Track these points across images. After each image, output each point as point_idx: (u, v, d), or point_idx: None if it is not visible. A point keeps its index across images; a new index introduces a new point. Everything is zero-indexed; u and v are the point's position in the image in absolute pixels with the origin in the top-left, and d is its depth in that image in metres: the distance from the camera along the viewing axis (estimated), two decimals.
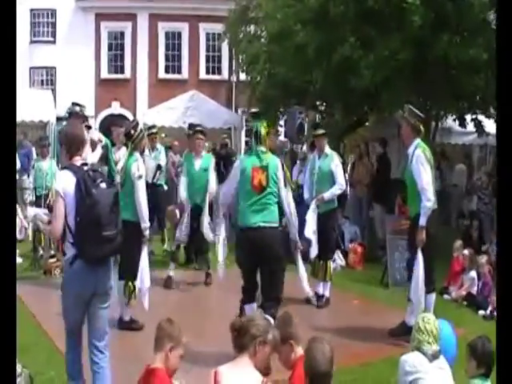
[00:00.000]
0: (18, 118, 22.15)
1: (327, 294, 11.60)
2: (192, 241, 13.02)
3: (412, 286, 9.20)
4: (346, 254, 15.34)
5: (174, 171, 17.68)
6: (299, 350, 5.31)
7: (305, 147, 18.33)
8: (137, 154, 9.88)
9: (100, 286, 6.65)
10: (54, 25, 34.21)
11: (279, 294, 8.54)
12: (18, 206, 8.30)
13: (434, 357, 5.63)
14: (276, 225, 8.46)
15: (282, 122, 23.77)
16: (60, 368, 7.82)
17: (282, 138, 25.85)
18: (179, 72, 34.87)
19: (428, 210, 9.09)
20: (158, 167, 14.60)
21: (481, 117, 17.55)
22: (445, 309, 10.14)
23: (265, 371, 5.01)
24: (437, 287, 10.82)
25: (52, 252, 13.84)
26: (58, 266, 12.83)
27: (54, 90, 31.24)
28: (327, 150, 11.68)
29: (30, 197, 14.42)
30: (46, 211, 7.87)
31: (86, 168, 6.40)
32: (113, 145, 16.16)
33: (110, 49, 34.79)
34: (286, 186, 8.53)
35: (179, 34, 34.92)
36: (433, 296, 9.40)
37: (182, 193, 12.82)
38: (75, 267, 6.40)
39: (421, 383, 5.51)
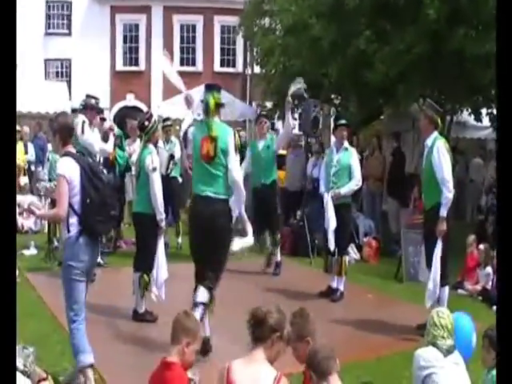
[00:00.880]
0: (33, 110, 22.35)
1: (341, 288, 11.59)
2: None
3: (432, 279, 9.18)
4: (360, 248, 15.33)
5: (188, 164, 17.69)
6: None
7: (319, 141, 18.34)
8: (151, 146, 9.93)
9: (95, 259, 7.51)
10: (69, 17, 34.30)
11: (219, 271, 8.38)
12: (33, 196, 8.40)
13: (448, 351, 5.63)
14: (224, 197, 8.22)
15: (296, 115, 23.75)
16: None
17: (296, 131, 25.87)
18: (194, 64, 34.92)
19: (449, 201, 9.13)
20: (171, 157, 14.62)
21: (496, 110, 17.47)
22: (459, 303, 10.11)
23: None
24: (451, 282, 10.82)
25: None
26: None
27: (68, 82, 31.34)
28: (346, 144, 11.64)
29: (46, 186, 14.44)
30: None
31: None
32: (127, 137, 16.21)
33: (124, 41, 34.86)
34: (236, 153, 8.33)
35: (194, 27, 34.95)
36: (446, 289, 9.39)
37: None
38: (81, 242, 6.91)
39: (435, 378, 5.50)
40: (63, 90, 26.27)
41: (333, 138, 13.76)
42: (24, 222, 16.13)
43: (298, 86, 12.76)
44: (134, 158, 14.32)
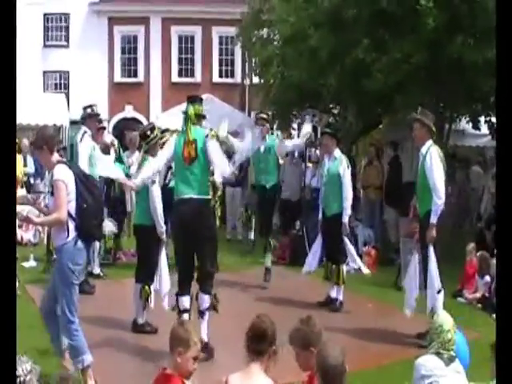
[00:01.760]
0: (32, 122, 22.35)
1: (340, 297, 11.58)
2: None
3: (432, 285, 9.17)
4: (359, 257, 15.28)
5: None
6: None
7: (318, 151, 18.33)
8: (150, 158, 9.89)
9: (85, 263, 7.82)
10: (67, 29, 34.34)
11: (212, 267, 8.73)
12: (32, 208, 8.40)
13: (450, 360, 5.62)
14: (207, 197, 8.71)
15: (295, 125, 23.76)
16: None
17: (295, 141, 25.88)
18: (192, 75, 34.93)
19: (439, 207, 9.16)
20: (170, 168, 14.60)
21: (495, 118, 17.48)
22: (459, 312, 10.08)
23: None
24: (450, 290, 10.81)
25: None
26: None
27: (67, 94, 31.37)
28: (336, 153, 11.69)
29: (44, 200, 14.43)
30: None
31: None
32: (126, 149, 16.22)
33: (123, 52, 34.87)
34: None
35: (192, 38, 34.97)
36: (440, 296, 9.36)
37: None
38: (78, 246, 7.19)
39: None
40: (62, 101, 26.28)
41: None
42: (23, 234, 16.10)
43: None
44: (133, 169, 14.35)
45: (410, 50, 14.75)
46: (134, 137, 16.80)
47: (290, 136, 24.51)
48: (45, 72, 33.76)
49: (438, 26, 14.30)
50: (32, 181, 19.89)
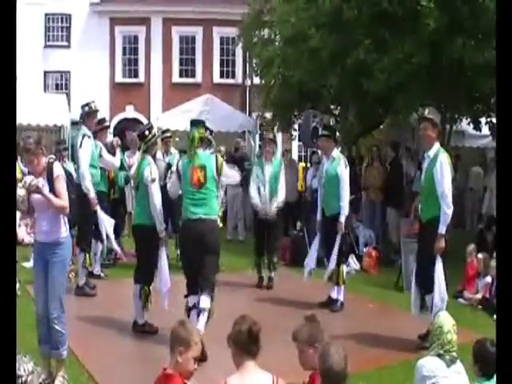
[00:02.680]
0: (33, 122, 22.34)
1: (341, 298, 11.58)
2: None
3: (437, 293, 9.13)
4: (360, 258, 15.31)
5: None
6: None
7: (319, 151, 18.35)
8: (149, 158, 9.94)
9: None
10: (68, 29, 34.27)
11: (214, 279, 9.13)
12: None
13: (451, 361, 5.62)
14: (214, 217, 9.21)
15: (296, 126, 23.76)
16: (75, 371, 7.86)
17: (296, 142, 25.87)
18: (193, 76, 34.88)
19: (448, 217, 9.03)
20: (169, 166, 14.60)
21: (495, 119, 17.48)
22: (459, 313, 10.08)
23: None
24: (451, 291, 10.80)
25: None
26: (72, 269, 12.86)
27: (68, 94, 31.29)
28: (334, 153, 11.71)
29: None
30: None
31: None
32: (127, 149, 16.23)
33: (124, 53, 34.80)
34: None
35: (193, 38, 34.92)
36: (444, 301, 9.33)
37: (256, 199, 13.18)
38: (71, 242, 7.74)
39: None
40: (63, 102, 26.23)
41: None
42: (24, 236, 16.12)
43: None
44: (133, 170, 14.37)
45: (411, 50, 14.76)
46: (135, 137, 16.84)
47: (291, 137, 24.59)
48: (46, 72, 33.71)
49: (438, 26, 14.30)
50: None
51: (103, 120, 13.90)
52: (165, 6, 33.80)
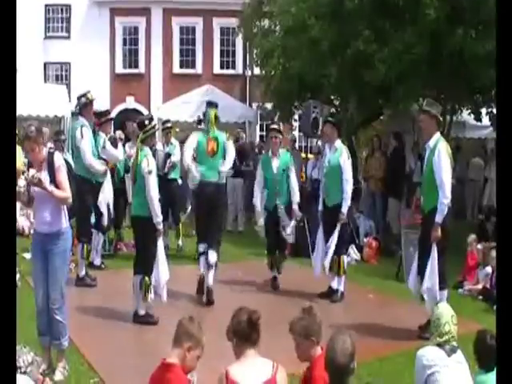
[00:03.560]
0: (33, 113, 22.32)
1: (341, 288, 11.59)
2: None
3: (425, 281, 9.16)
4: (360, 249, 15.32)
5: None
6: (318, 349, 5.29)
7: (319, 142, 18.32)
8: (146, 149, 9.91)
9: None
10: (68, 20, 34.22)
11: (220, 235, 11.69)
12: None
13: (452, 351, 5.63)
14: (222, 182, 11.54)
15: (296, 117, 23.73)
16: (75, 361, 7.88)
17: (296, 132, 25.85)
18: (193, 67, 34.84)
19: (445, 206, 9.03)
20: (168, 155, 14.59)
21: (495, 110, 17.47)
22: (460, 303, 10.10)
23: None
24: (451, 281, 10.82)
25: None
26: (73, 260, 12.87)
27: (68, 85, 31.28)
28: (337, 143, 11.68)
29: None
30: None
31: None
32: (128, 140, 16.22)
33: (124, 44, 34.76)
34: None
35: (193, 29, 34.88)
36: (445, 293, 9.32)
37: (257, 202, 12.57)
38: (71, 232, 7.75)
39: (438, 377, 5.50)
40: (63, 93, 26.23)
41: None
42: (24, 224, 16.11)
43: None
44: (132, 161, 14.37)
45: (411, 41, 14.76)
46: (136, 128, 16.82)
47: (291, 128, 24.56)
48: (46, 63, 33.66)
49: (439, 17, 14.31)
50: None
51: (107, 112, 13.90)
52: None
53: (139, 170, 9.70)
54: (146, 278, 9.66)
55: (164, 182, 14.28)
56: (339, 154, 11.51)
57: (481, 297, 11.80)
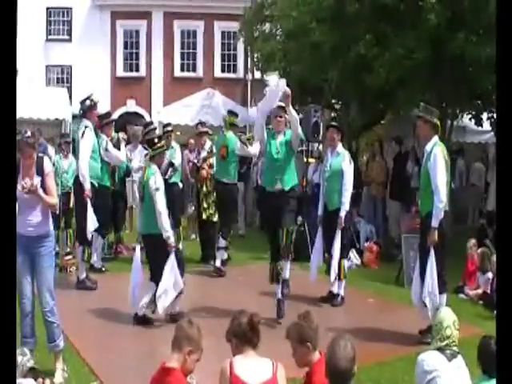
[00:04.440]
0: (34, 116, 22.35)
1: (342, 292, 11.58)
2: None
3: (425, 286, 9.15)
4: (361, 253, 15.32)
5: (189, 169, 17.68)
6: (316, 355, 5.30)
7: (320, 146, 18.33)
8: (154, 167, 9.98)
9: None
10: (69, 23, 34.29)
11: (230, 225, 14.37)
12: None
13: (453, 356, 5.62)
14: (234, 180, 14.19)
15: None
16: (76, 364, 7.87)
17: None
18: (194, 70, 34.89)
19: (440, 210, 9.01)
20: (170, 164, 14.58)
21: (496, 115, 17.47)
22: (460, 308, 10.08)
23: None
24: (452, 286, 10.81)
25: (68, 249, 13.90)
26: (73, 263, 12.89)
27: (69, 88, 31.33)
28: (339, 148, 11.68)
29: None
30: None
31: None
32: (128, 143, 16.24)
33: (125, 47, 34.81)
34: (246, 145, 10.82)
35: (194, 33, 34.92)
36: (444, 296, 9.32)
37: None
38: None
39: (439, 382, 5.49)
40: (64, 95, 26.28)
41: None
42: None
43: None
44: (134, 163, 14.40)
45: (412, 45, 14.75)
46: (137, 131, 16.86)
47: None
48: (47, 66, 33.74)
49: (440, 21, 14.30)
50: None
51: (109, 114, 13.94)
52: (166, 0, 33.82)
53: (147, 188, 9.78)
54: None
55: (165, 185, 14.30)
56: (342, 159, 11.51)
57: (481, 302, 11.79)
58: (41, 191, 7.09)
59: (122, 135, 14.43)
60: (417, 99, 14.83)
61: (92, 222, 11.85)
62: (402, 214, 16.32)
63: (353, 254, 14.94)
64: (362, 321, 10.46)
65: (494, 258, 11.69)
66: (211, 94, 27.69)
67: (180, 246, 15.38)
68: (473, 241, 13.09)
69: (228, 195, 13.94)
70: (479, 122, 18.11)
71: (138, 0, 34.06)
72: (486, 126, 18.38)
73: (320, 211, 11.83)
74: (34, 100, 22.46)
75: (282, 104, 10.35)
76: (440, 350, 5.65)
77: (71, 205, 14.20)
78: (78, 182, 12.18)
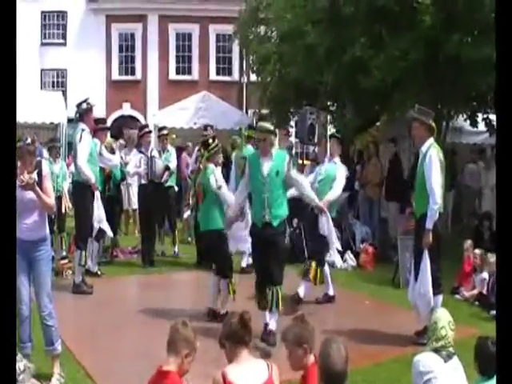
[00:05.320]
0: (29, 120, 22.34)
1: (302, 293, 11.22)
2: None
3: (419, 288, 9.16)
4: (357, 255, 15.33)
5: (187, 172, 17.70)
6: (311, 357, 5.29)
7: (316, 148, 18.34)
8: (212, 166, 10.33)
9: None
10: (64, 27, 34.23)
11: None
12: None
13: (448, 357, 5.63)
14: None
15: (292, 123, 23.75)
16: (71, 368, 7.86)
17: (292, 138, 25.87)
18: (190, 73, 34.85)
19: (435, 212, 9.00)
20: (167, 168, 14.57)
21: (492, 116, 17.48)
22: (456, 309, 10.08)
23: None
24: (448, 287, 10.81)
25: (64, 253, 13.90)
26: (69, 267, 12.88)
27: (64, 92, 31.29)
28: (337, 159, 11.77)
29: None
30: None
31: None
32: (124, 146, 16.24)
33: (120, 50, 34.76)
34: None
35: (189, 36, 34.89)
36: (440, 298, 9.31)
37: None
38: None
39: (435, 383, 5.50)
40: (59, 99, 26.28)
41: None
42: None
43: None
44: (130, 167, 14.40)
45: (408, 47, 14.76)
46: (132, 134, 16.87)
47: (287, 133, 24.55)
48: (42, 70, 33.67)
49: (435, 23, 14.31)
50: None
51: (103, 120, 13.92)
52: (161, 3, 33.79)
53: (208, 187, 10.18)
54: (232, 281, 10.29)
55: (160, 188, 14.32)
56: (338, 167, 11.53)
57: (477, 302, 11.80)
58: (38, 188, 7.08)
59: (116, 143, 14.46)
60: (412, 101, 14.82)
61: (99, 216, 12.04)
62: (397, 216, 16.32)
63: (348, 255, 14.96)
64: (358, 322, 10.46)
65: (490, 258, 11.72)
66: (207, 96, 27.69)
67: (176, 249, 15.42)
68: (469, 242, 13.09)
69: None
70: (474, 123, 18.13)
71: (133, 3, 34.00)
72: (482, 127, 18.38)
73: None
74: (30, 104, 22.43)
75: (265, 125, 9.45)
76: (436, 350, 5.65)
77: (63, 210, 14.23)
78: (76, 186, 12.20)
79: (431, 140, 9.34)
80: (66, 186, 14.66)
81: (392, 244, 15.31)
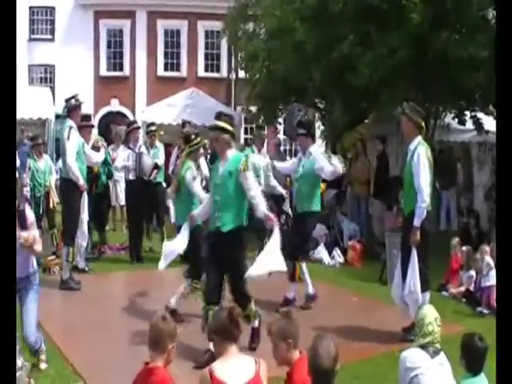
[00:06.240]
0: (17, 116, 22.25)
1: (292, 295, 11.31)
2: None
3: (407, 285, 9.18)
4: (345, 252, 15.35)
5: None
6: (296, 353, 5.31)
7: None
8: (190, 163, 10.20)
9: None
10: (52, 22, 34.16)
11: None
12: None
13: (435, 353, 5.66)
14: None
15: (281, 120, 23.76)
16: (59, 367, 7.84)
17: (281, 135, 25.91)
18: (178, 70, 34.84)
19: (423, 210, 9.01)
20: (156, 166, 14.52)
21: (480, 114, 17.55)
22: (443, 306, 10.13)
23: None
24: (435, 284, 10.84)
25: (53, 249, 13.86)
26: (57, 263, 12.85)
27: (52, 88, 31.26)
28: (311, 148, 11.37)
29: (28, 193, 14.42)
30: None
31: None
32: (111, 143, 16.21)
33: (108, 46, 34.72)
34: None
35: (178, 32, 34.87)
36: (427, 294, 9.33)
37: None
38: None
39: (422, 379, 5.52)
40: (47, 95, 26.26)
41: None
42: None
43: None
44: (118, 162, 14.36)
45: (396, 45, 14.79)
46: (119, 131, 16.83)
47: (276, 130, 24.53)
48: (30, 65, 33.57)
49: (423, 21, 14.35)
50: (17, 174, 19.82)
51: (89, 117, 13.88)
52: None
53: (183, 182, 10.00)
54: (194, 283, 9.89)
55: (149, 185, 14.30)
56: (314, 160, 11.14)
57: (464, 299, 11.84)
58: (37, 246, 6.98)
59: (101, 142, 14.42)
60: (400, 98, 14.89)
61: (86, 214, 12.03)
62: (385, 213, 16.36)
63: (336, 252, 14.99)
64: (345, 319, 10.47)
65: (477, 255, 11.78)
66: (195, 93, 27.68)
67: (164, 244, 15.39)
68: (456, 239, 13.12)
69: None
70: (462, 121, 18.18)
71: None
72: (469, 124, 18.43)
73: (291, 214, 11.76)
74: (17, 99, 22.34)
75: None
76: (423, 347, 5.68)
77: (51, 205, 14.21)
78: (63, 183, 12.17)
79: (419, 138, 9.33)
80: (53, 180, 14.62)
81: (379, 241, 15.34)
